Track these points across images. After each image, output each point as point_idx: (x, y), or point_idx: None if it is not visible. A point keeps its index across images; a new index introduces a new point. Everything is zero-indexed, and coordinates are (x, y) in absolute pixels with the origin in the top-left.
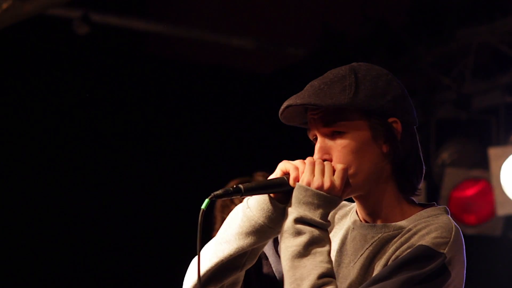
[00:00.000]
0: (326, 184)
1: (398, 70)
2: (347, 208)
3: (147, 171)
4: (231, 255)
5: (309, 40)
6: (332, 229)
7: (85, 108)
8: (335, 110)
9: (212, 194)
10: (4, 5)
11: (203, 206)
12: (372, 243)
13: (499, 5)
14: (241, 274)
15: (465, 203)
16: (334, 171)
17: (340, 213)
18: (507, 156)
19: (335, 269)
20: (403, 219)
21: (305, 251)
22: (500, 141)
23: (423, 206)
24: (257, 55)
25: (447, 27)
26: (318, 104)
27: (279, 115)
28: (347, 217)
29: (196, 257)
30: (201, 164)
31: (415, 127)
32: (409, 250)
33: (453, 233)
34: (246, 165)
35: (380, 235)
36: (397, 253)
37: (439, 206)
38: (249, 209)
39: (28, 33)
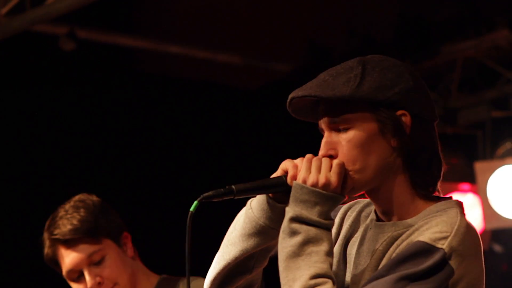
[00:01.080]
0: (321, 180)
1: None
2: (373, 206)
3: (133, 185)
4: (237, 258)
5: (295, 55)
6: (357, 228)
7: (72, 124)
8: (340, 103)
9: (202, 196)
10: None
11: (191, 208)
12: (382, 243)
13: (484, 20)
14: (254, 278)
15: None
16: (331, 166)
17: (366, 211)
18: (493, 170)
19: (353, 272)
20: (415, 216)
21: (299, 251)
22: (487, 156)
23: (438, 200)
24: (243, 71)
25: (433, 42)
26: (318, 95)
27: (287, 108)
28: (370, 215)
29: (216, 255)
30: (188, 179)
31: (434, 123)
32: (407, 247)
33: (456, 226)
34: (233, 180)
35: (390, 233)
36: (397, 250)
37: (451, 200)
38: (251, 210)
39: (14, 49)
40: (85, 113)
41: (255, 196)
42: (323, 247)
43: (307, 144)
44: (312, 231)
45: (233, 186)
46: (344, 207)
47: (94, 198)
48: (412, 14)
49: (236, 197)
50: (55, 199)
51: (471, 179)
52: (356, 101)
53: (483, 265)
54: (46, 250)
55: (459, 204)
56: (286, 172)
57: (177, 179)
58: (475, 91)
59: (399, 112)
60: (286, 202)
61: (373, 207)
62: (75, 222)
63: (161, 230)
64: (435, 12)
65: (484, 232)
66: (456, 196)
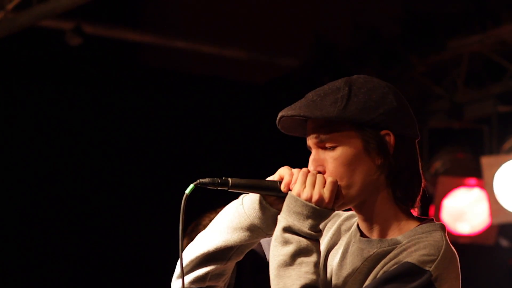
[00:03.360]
0: (315, 196)
1: (390, 80)
2: (353, 220)
3: (139, 179)
4: (217, 247)
5: (301, 50)
6: (338, 240)
7: (78, 118)
8: (327, 122)
9: (199, 180)
10: None
11: (187, 191)
12: (367, 258)
13: (491, 15)
14: (227, 268)
15: (458, 212)
16: (325, 183)
17: (346, 224)
18: (499, 165)
19: (334, 283)
20: (400, 234)
21: (291, 261)
22: (493, 150)
23: (421, 221)
24: (249, 66)
25: (439, 37)
26: (307, 115)
27: (277, 125)
28: (351, 229)
29: (198, 239)
30: (194, 174)
31: (416, 140)
32: (395, 266)
33: (442, 251)
34: (239, 175)
35: (375, 250)
36: (384, 268)
37: (435, 223)
38: (242, 206)
39: (21, 45)
40: (91, 108)
41: (247, 192)
42: (313, 258)
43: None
44: (303, 242)
45: (229, 179)
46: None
47: None
48: (418, 8)
49: (229, 190)
50: (60, 190)
51: (478, 174)
52: (342, 121)
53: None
54: None
55: (443, 228)
56: (282, 178)
57: (182, 173)
58: (482, 86)
59: (383, 132)
60: (277, 207)
61: (353, 221)
62: None
63: (156, 212)
64: (442, 7)
65: (490, 227)
66: (462, 191)
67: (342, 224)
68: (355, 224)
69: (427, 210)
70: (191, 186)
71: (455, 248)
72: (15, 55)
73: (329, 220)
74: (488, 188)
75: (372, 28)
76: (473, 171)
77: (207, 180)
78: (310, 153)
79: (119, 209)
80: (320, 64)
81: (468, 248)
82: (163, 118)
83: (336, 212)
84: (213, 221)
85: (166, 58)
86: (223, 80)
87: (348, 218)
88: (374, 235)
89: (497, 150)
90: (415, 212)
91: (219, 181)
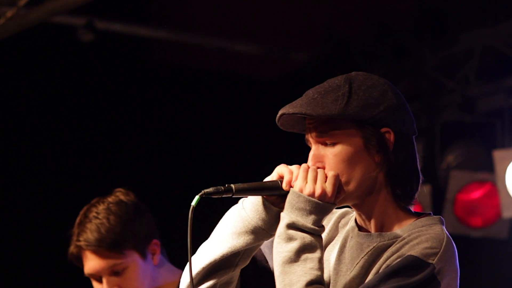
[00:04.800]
0: (318, 191)
1: (403, 74)
2: (350, 216)
3: (150, 176)
4: (224, 254)
5: (313, 45)
6: (335, 236)
7: (90, 114)
8: (327, 119)
9: (203, 191)
10: (9, 14)
11: (193, 203)
12: (367, 252)
13: (502, 8)
14: (234, 275)
15: (470, 206)
16: (326, 178)
17: (343, 220)
18: None
19: (333, 277)
20: (399, 228)
21: (296, 257)
22: (505, 144)
23: (419, 215)
24: (261, 61)
25: (451, 30)
26: (309, 113)
27: (276, 122)
28: (348, 225)
29: (201, 249)
30: (205, 169)
31: (413, 137)
32: (398, 260)
33: (444, 244)
34: (251, 170)
35: (375, 244)
36: (387, 262)
37: (433, 216)
38: (244, 210)
39: (33, 41)
40: (103, 103)
41: (250, 196)
42: (317, 254)
43: None
44: (307, 238)
45: (232, 185)
46: None
47: (131, 198)
48: (430, 2)
49: (234, 196)
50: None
51: (490, 168)
52: (344, 118)
53: (458, 283)
54: (72, 248)
55: (442, 221)
56: (281, 177)
57: (195, 168)
58: (494, 79)
59: (383, 129)
60: (279, 206)
61: (349, 217)
62: (102, 231)
63: (164, 223)
64: (453, 1)
65: (502, 221)
66: (474, 185)
67: (339, 221)
68: (353, 219)
69: (441, 204)
70: (197, 197)
71: (467, 242)
72: (27, 52)
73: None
74: (500, 182)
75: (384, 22)
76: (485, 165)
77: (211, 189)
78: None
79: None
80: (332, 59)
81: (480, 242)
82: (176, 114)
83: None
84: (215, 229)
85: (178, 53)
86: (235, 75)
87: (344, 215)
88: (373, 230)
89: (509, 143)
90: (413, 208)
91: (223, 189)
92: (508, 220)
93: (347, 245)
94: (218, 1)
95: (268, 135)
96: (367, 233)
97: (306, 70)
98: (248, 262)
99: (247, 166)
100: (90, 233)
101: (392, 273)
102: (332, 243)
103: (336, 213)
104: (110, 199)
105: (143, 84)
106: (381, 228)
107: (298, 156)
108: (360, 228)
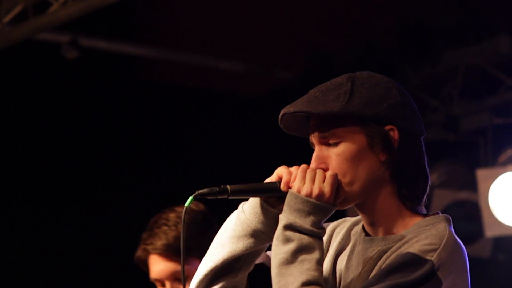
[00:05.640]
0: (315, 191)
1: None
2: (361, 223)
3: (135, 191)
4: (225, 259)
5: (298, 63)
6: (347, 244)
7: (75, 131)
8: (331, 118)
9: (197, 192)
10: None
11: (186, 204)
12: (372, 257)
13: (486, 27)
14: (239, 281)
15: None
16: (325, 178)
17: (356, 228)
18: (495, 178)
19: (342, 286)
20: (404, 230)
21: (292, 258)
22: (488, 163)
23: (426, 215)
24: (246, 78)
25: (434, 49)
26: (309, 111)
27: (279, 124)
28: (358, 232)
29: (204, 257)
30: (191, 187)
31: (421, 136)
32: (396, 258)
33: (445, 240)
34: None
35: (379, 248)
36: (387, 261)
37: (440, 215)
38: (243, 213)
39: (17, 58)
40: (88, 121)
41: (247, 199)
42: (315, 255)
43: (309, 151)
44: (305, 239)
45: (227, 186)
46: (332, 224)
47: (201, 208)
48: (414, 21)
49: (229, 197)
50: (55, 206)
51: (473, 187)
52: (345, 116)
53: (469, 281)
54: (139, 252)
55: (448, 219)
56: (280, 178)
57: (180, 186)
58: (477, 98)
59: (388, 127)
60: (278, 208)
61: (361, 224)
62: (170, 238)
63: None
64: (437, 19)
65: (486, 240)
66: (457, 203)
67: (351, 229)
68: (361, 225)
69: None
70: (190, 198)
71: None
72: (11, 68)
73: (338, 225)
74: (483, 201)
75: (368, 40)
76: (468, 184)
77: (205, 190)
78: (306, 160)
79: (117, 223)
80: (317, 76)
81: None
82: (160, 131)
83: (345, 218)
84: (217, 234)
85: (163, 71)
86: (220, 92)
87: (357, 222)
88: (379, 233)
89: (493, 162)
90: (423, 209)
91: (217, 189)
92: (490, 239)
93: (355, 251)
94: (202, 19)
95: (254, 151)
96: (372, 237)
97: (291, 88)
98: (252, 267)
99: (231, 182)
100: (158, 238)
101: (389, 270)
102: (344, 252)
103: (349, 221)
104: (181, 208)
105: (128, 101)
106: (387, 231)
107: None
108: (366, 233)
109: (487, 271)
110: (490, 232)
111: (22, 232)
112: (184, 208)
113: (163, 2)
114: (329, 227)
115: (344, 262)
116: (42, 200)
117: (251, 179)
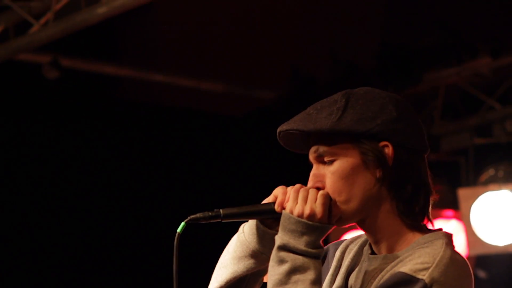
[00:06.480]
0: (306, 211)
1: None
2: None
3: (119, 212)
4: (228, 280)
5: (278, 83)
6: (358, 262)
7: (56, 152)
8: (326, 135)
9: (189, 217)
10: None
11: (178, 230)
12: (373, 276)
13: (467, 48)
14: None
15: None
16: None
17: (366, 247)
18: (476, 197)
19: None
20: (405, 247)
21: (286, 280)
22: (470, 182)
23: (428, 232)
24: (227, 99)
25: (415, 70)
26: (300, 129)
27: (279, 141)
28: (366, 249)
29: (211, 278)
30: (173, 205)
31: (423, 152)
32: (387, 278)
33: (438, 258)
34: (217, 206)
35: (380, 266)
36: (381, 281)
37: (439, 232)
38: (243, 234)
39: None
40: (69, 141)
41: (244, 220)
42: (309, 275)
43: (292, 171)
44: (299, 260)
45: (220, 210)
46: (346, 241)
47: None
48: (394, 41)
49: (223, 221)
50: (40, 234)
51: (455, 206)
52: (337, 133)
53: None
54: None
55: (447, 236)
56: (276, 199)
57: (163, 205)
58: (458, 118)
59: (382, 144)
60: (275, 228)
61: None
62: None
63: (149, 251)
64: (418, 40)
65: (468, 258)
66: (439, 222)
67: (364, 245)
68: (368, 242)
69: None
70: (182, 224)
71: None
72: None
73: (352, 242)
74: (465, 220)
75: (349, 61)
76: (450, 203)
77: (198, 215)
78: (289, 180)
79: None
80: (297, 97)
81: None
82: (141, 151)
83: (361, 234)
84: (221, 257)
85: (144, 91)
86: (201, 112)
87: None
88: (382, 251)
89: (474, 182)
90: (429, 224)
91: (210, 214)
92: (473, 257)
93: (361, 269)
94: (184, 40)
95: (235, 171)
96: (375, 255)
97: (271, 108)
98: (258, 286)
99: (213, 201)
100: None
101: None
102: (357, 269)
103: (363, 236)
104: None
105: (109, 121)
106: (389, 249)
107: (267, 190)
108: (372, 250)
109: None
110: (472, 250)
111: (22, 233)
112: (177, 233)
113: (144, 23)
114: (343, 243)
115: (353, 280)
116: (18, 225)
117: (232, 197)
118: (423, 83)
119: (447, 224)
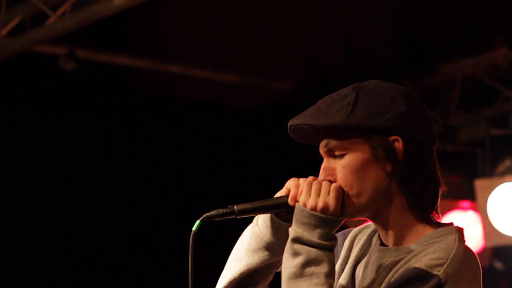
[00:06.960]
0: (319, 204)
1: None
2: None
3: (135, 205)
4: (242, 272)
5: (294, 74)
6: (367, 251)
7: (72, 143)
8: (336, 130)
9: (204, 215)
10: None
11: (194, 228)
12: (385, 268)
13: (483, 39)
14: None
15: None
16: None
17: (376, 235)
18: (493, 188)
19: None
20: (416, 241)
21: (301, 272)
22: (486, 173)
23: (439, 225)
24: (242, 90)
25: (432, 61)
26: (311, 124)
27: (290, 134)
28: (375, 240)
29: (223, 271)
30: (188, 198)
31: (431, 145)
32: (403, 273)
33: (452, 254)
34: (233, 199)
35: (392, 259)
36: (395, 275)
37: (451, 226)
38: (257, 227)
39: (14, 70)
40: (85, 132)
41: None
42: (324, 268)
43: (307, 162)
44: (313, 252)
45: (235, 206)
46: (354, 230)
47: None
48: (410, 32)
49: (237, 217)
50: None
51: (471, 197)
52: (349, 128)
53: None
54: None
55: (459, 231)
56: (289, 192)
57: (178, 197)
58: (474, 109)
59: (392, 138)
60: (290, 221)
61: (378, 233)
62: None
63: (164, 250)
64: (434, 31)
65: (484, 250)
66: (456, 213)
67: (372, 235)
68: (377, 232)
69: None
70: (198, 222)
71: None
72: (9, 80)
73: (360, 231)
74: (481, 211)
75: (364, 52)
76: (466, 194)
77: (212, 213)
78: (304, 172)
79: (118, 243)
80: (313, 88)
81: None
82: (157, 142)
83: (368, 223)
84: (233, 249)
85: (159, 82)
86: (216, 104)
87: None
88: (392, 243)
89: (491, 173)
90: (438, 218)
91: (224, 211)
92: (489, 248)
93: (371, 260)
94: (199, 31)
95: (251, 162)
96: (385, 247)
97: (287, 99)
98: (271, 278)
99: (229, 193)
100: None
101: (396, 286)
102: (364, 259)
103: (371, 226)
104: None
105: (125, 112)
106: (399, 241)
107: (283, 182)
108: (382, 242)
109: (486, 280)
110: (489, 242)
111: (22, 232)
112: (192, 232)
113: (160, 14)
114: (352, 233)
115: (362, 270)
116: (34, 214)
117: (248, 189)
118: (439, 74)
119: (463, 215)
